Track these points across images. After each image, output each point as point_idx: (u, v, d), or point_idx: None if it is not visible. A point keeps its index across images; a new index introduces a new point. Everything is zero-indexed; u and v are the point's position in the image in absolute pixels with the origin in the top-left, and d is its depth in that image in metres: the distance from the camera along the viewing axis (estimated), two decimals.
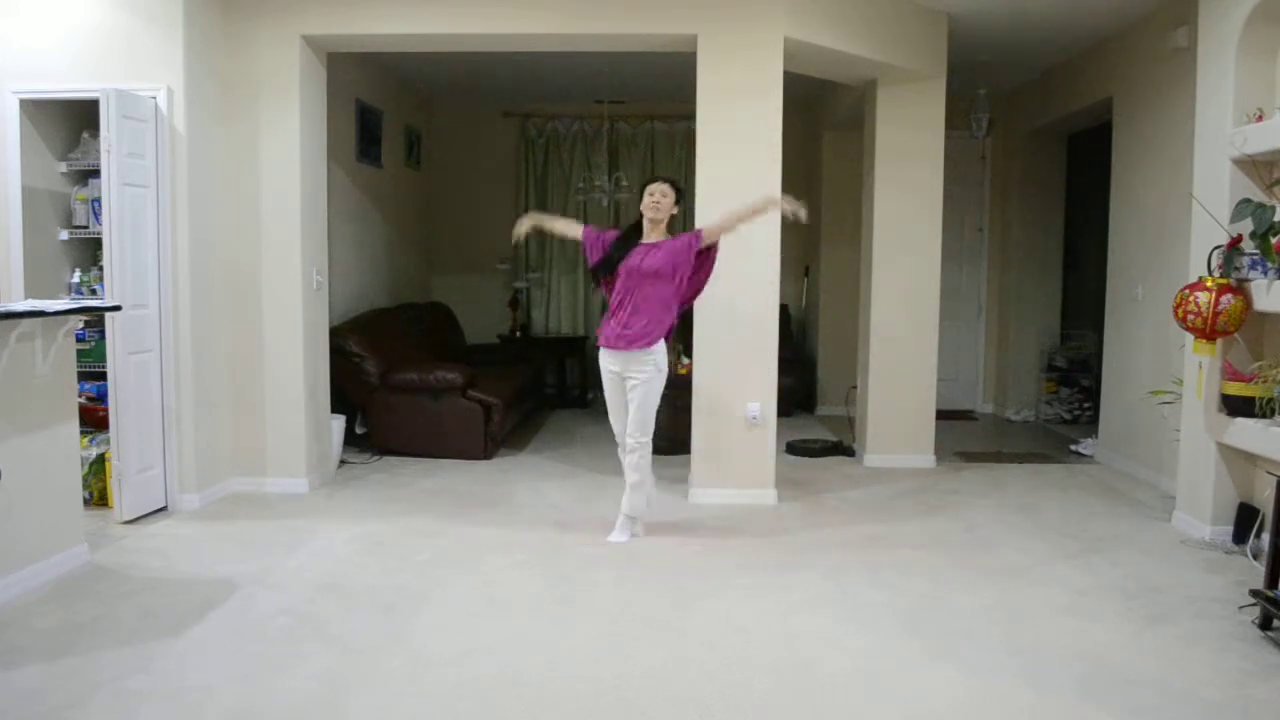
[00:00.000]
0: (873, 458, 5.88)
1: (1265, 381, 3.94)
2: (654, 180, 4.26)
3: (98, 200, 4.47)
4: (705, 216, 4.87)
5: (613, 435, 4.37)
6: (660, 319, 4.14)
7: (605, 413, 4.37)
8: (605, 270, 4.20)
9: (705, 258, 4.23)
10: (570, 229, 4.40)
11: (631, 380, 4.16)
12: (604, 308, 4.40)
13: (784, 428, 6.23)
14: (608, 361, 4.24)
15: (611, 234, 4.30)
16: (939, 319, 5.88)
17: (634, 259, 4.13)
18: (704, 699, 2.72)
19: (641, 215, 4.22)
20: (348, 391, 5.89)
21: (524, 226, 4.37)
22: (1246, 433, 4.00)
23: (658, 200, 4.17)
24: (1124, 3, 5.21)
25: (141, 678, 2.80)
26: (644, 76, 7.23)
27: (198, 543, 4.15)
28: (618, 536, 4.25)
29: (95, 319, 4.47)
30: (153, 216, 4.49)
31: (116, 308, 4.07)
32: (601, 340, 4.24)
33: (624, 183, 8.08)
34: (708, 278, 4.30)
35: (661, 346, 4.19)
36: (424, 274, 8.39)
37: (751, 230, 4.83)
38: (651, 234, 4.20)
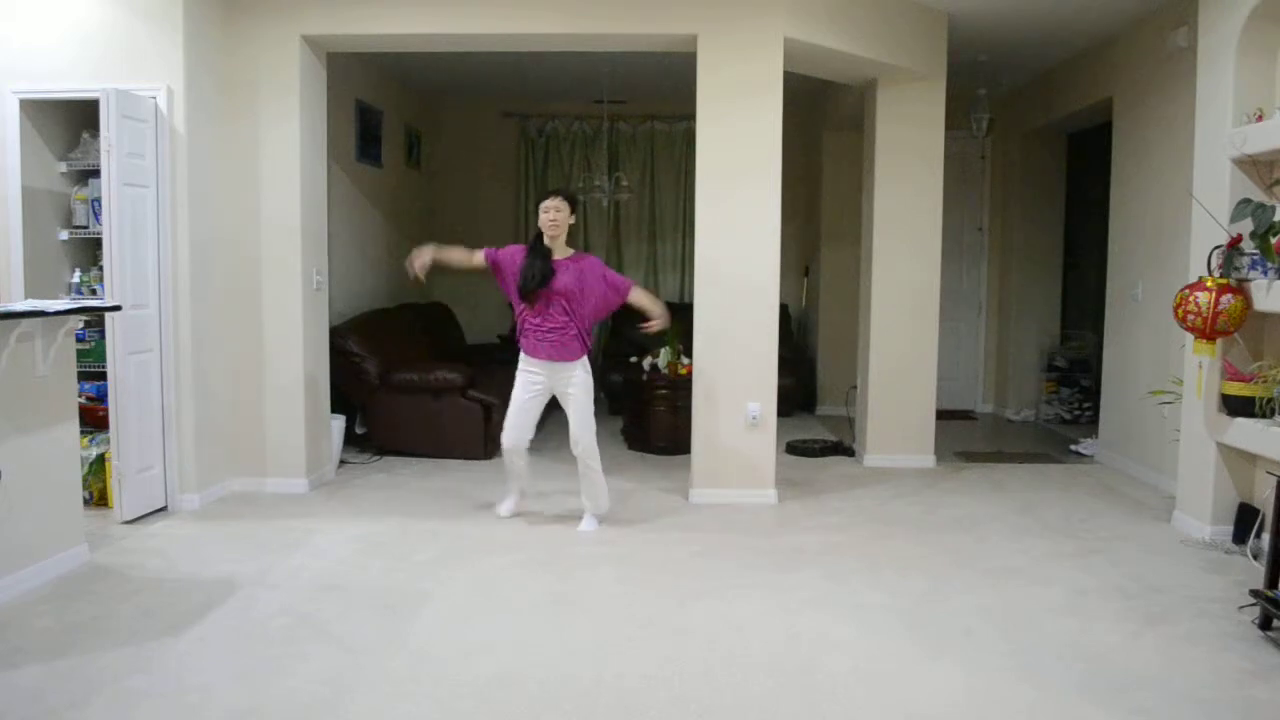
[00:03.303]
0: (873, 458, 5.88)
1: (1265, 381, 3.94)
2: (547, 195, 4.28)
3: (98, 200, 4.47)
4: (705, 216, 4.89)
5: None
6: (583, 334, 4.27)
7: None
8: (540, 285, 4.20)
9: (614, 301, 4.35)
10: (470, 258, 4.37)
11: (566, 389, 4.28)
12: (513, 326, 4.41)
13: (784, 428, 6.23)
14: (534, 370, 4.31)
15: (514, 250, 4.33)
16: (939, 319, 5.88)
17: (554, 277, 4.21)
18: (704, 699, 2.72)
19: (541, 231, 4.25)
20: (348, 391, 5.89)
21: (425, 258, 4.31)
22: (1246, 433, 4.00)
23: (553, 218, 4.22)
24: (1124, 3, 5.21)
25: (141, 678, 2.80)
26: (644, 76, 7.22)
27: (198, 543, 4.15)
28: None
29: (95, 319, 4.47)
30: (153, 216, 4.49)
31: (116, 308, 4.07)
32: (529, 351, 4.30)
33: (624, 183, 8.07)
34: (608, 314, 4.49)
35: (586, 359, 4.33)
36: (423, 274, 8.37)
37: (751, 229, 4.86)
38: (555, 250, 4.26)
